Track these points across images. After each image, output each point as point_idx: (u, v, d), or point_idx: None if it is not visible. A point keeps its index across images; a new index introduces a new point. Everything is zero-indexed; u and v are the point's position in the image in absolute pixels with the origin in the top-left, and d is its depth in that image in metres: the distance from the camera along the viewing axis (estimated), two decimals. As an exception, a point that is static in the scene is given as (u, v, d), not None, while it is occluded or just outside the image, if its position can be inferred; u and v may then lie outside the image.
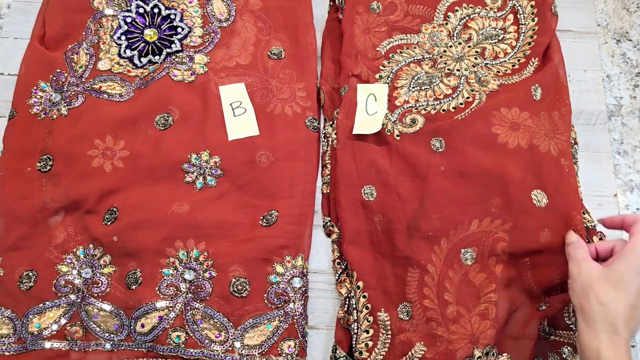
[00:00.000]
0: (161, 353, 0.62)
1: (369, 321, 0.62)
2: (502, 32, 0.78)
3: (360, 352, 0.61)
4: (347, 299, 0.65)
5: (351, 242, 0.66)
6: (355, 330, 0.62)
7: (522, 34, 0.78)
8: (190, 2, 0.79)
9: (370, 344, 0.62)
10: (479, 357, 0.60)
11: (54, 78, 0.74)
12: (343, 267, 0.67)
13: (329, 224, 0.70)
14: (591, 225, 0.67)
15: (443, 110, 0.72)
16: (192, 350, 0.62)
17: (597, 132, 0.75)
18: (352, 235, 0.66)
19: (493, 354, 0.61)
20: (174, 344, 0.62)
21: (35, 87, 0.73)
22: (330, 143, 0.73)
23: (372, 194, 0.68)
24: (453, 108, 0.72)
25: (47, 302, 0.63)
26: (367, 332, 0.62)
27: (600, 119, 0.76)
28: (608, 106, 0.78)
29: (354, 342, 0.62)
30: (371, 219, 0.67)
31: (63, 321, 0.63)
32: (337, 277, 0.67)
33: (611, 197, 0.72)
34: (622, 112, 0.77)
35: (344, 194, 0.68)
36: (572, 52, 0.77)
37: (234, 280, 0.64)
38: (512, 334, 0.63)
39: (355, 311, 0.63)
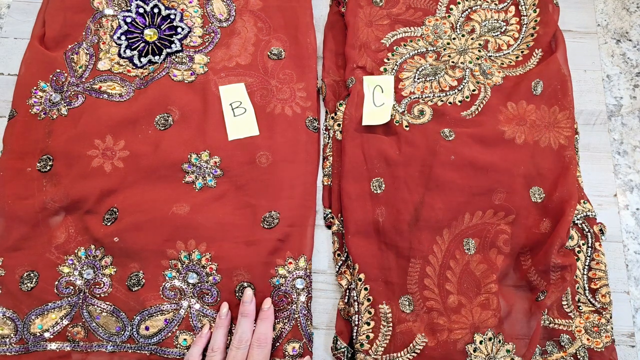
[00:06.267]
0: (165, 356, 0.62)
1: (370, 313, 0.63)
2: (504, 24, 0.79)
3: (362, 344, 0.62)
4: (348, 291, 0.65)
5: (356, 234, 0.66)
6: (357, 322, 0.63)
7: (525, 26, 0.78)
8: (190, 2, 0.79)
9: (372, 335, 0.62)
10: (481, 341, 0.61)
11: (54, 78, 0.74)
12: (343, 258, 0.68)
13: (329, 215, 0.70)
14: (592, 215, 0.68)
15: (449, 102, 0.73)
16: None
17: (597, 132, 0.76)
18: (357, 226, 0.67)
19: (500, 341, 0.61)
20: (180, 347, 0.62)
21: (35, 87, 0.73)
22: (331, 135, 0.73)
23: (381, 186, 0.68)
24: (459, 102, 0.73)
25: (49, 304, 0.63)
26: (368, 324, 0.63)
27: (600, 119, 0.76)
28: (608, 106, 0.78)
29: (354, 334, 0.62)
30: (376, 210, 0.67)
31: (65, 322, 0.63)
32: (337, 269, 0.68)
33: (611, 197, 0.72)
34: (622, 112, 0.78)
35: (353, 186, 0.68)
36: (572, 52, 0.77)
37: (238, 285, 0.64)
38: (516, 324, 0.64)
39: (356, 303, 0.63)
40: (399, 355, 0.61)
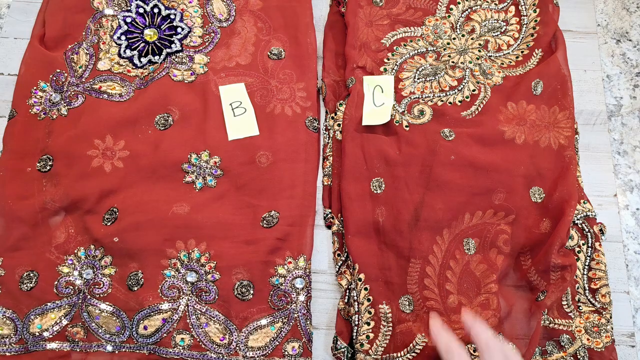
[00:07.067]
0: (164, 356, 0.62)
1: (370, 313, 0.63)
2: (505, 24, 0.79)
3: (362, 344, 0.62)
4: (348, 291, 0.65)
5: (356, 234, 0.66)
6: (357, 322, 0.63)
7: (525, 26, 0.78)
8: (190, 2, 0.79)
9: (372, 335, 0.62)
10: None
11: (54, 78, 0.74)
12: (343, 258, 0.67)
13: (329, 215, 0.70)
14: (592, 215, 0.68)
15: (449, 102, 0.73)
16: (196, 352, 0.62)
17: (597, 132, 0.76)
18: (357, 226, 0.66)
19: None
20: (179, 347, 0.62)
21: (35, 87, 0.73)
22: (331, 135, 0.73)
23: (381, 186, 0.68)
24: (459, 102, 0.73)
25: (49, 303, 0.63)
26: (368, 324, 0.62)
27: (600, 119, 0.76)
28: (608, 106, 0.78)
29: (354, 334, 0.62)
30: (376, 210, 0.67)
31: (64, 322, 0.63)
32: (337, 269, 0.68)
33: (611, 197, 0.72)
34: (622, 112, 0.78)
35: (353, 186, 0.68)
36: (572, 52, 0.77)
37: (237, 283, 0.65)
38: (516, 324, 0.64)
39: (356, 303, 0.63)
40: (398, 355, 0.61)
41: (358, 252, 0.65)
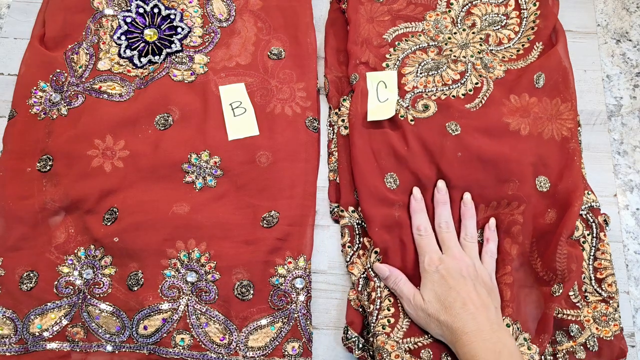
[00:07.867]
0: (164, 356, 0.62)
1: (390, 301, 0.63)
2: (505, 17, 0.79)
3: (384, 327, 0.62)
4: (360, 279, 0.66)
5: (381, 227, 0.66)
6: (378, 306, 0.63)
7: (525, 19, 0.78)
8: (190, 2, 0.79)
9: (392, 320, 0.62)
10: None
11: (54, 78, 0.74)
12: (354, 249, 0.67)
13: (336, 210, 0.70)
14: (596, 205, 0.68)
15: (453, 96, 0.73)
16: (196, 352, 0.62)
17: (597, 132, 0.76)
18: (379, 221, 0.66)
19: (518, 329, 0.62)
20: (179, 347, 0.62)
21: (35, 87, 0.73)
22: (336, 131, 0.73)
23: (396, 181, 0.68)
24: (463, 95, 0.73)
25: (49, 304, 0.63)
26: (389, 310, 0.63)
27: (600, 119, 0.76)
28: (608, 106, 0.78)
29: (373, 319, 0.62)
30: (394, 205, 0.67)
31: (64, 322, 0.63)
32: (348, 260, 0.67)
33: (611, 197, 0.72)
34: (622, 112, 0.78)
35: (368, 183, 0.68)
36: (572, 52, 0.76)
37: (237, 283, 0.65)
38: (527, 316, 0.64)
39: (379, 289, 0.64)
40: (418, 340, 0.61)
41: (384, 244, 0.65)
